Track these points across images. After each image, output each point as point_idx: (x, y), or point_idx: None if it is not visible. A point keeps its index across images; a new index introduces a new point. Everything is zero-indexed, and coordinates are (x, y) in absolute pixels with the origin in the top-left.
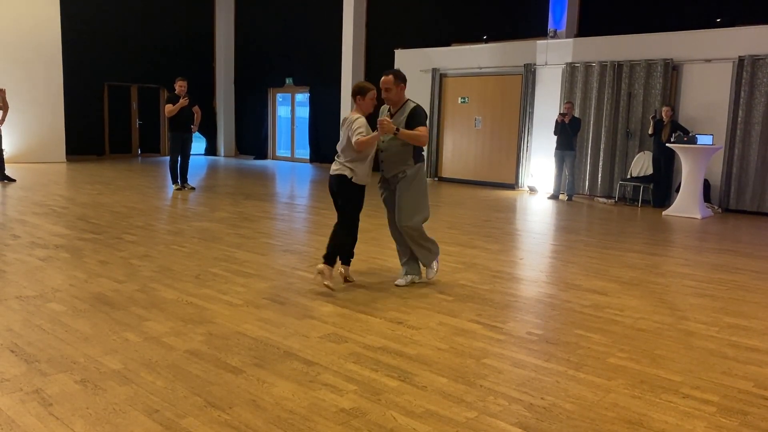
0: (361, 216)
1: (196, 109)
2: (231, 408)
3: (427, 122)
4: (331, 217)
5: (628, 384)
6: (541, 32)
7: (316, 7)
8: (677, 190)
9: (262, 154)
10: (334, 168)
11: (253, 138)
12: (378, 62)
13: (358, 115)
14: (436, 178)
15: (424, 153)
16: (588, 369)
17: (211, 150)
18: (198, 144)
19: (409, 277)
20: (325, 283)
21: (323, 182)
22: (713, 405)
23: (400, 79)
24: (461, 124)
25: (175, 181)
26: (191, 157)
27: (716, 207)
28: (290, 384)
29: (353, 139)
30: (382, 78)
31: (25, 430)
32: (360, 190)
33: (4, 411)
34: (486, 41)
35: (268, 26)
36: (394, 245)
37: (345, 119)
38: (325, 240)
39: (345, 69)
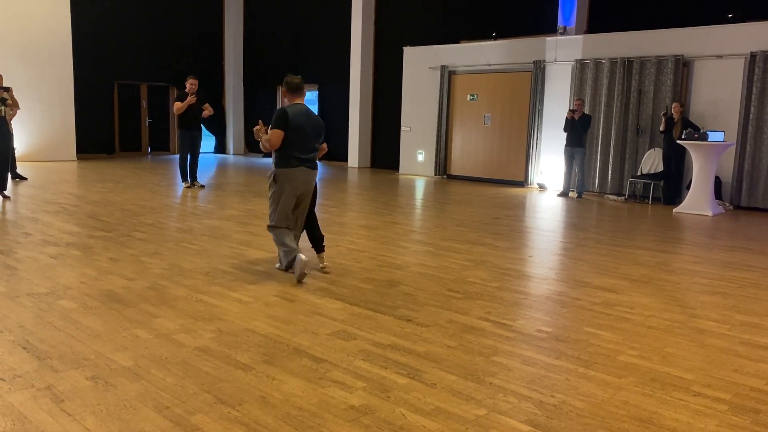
0: (371, 214)
1: (206, 105)
2: (241, 405)
3: (284, 124)
4: (339, 215)
5: (638, 382)
6: (550, 29)
7: (324, 4)
8: (688, 187)
9: (271, 152)
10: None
11: None
12: (387, 60)
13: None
14: (445, 176)
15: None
16: (598, 367)
17: (220, 148)
18: (207, 142)
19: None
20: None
21: (332, 180)
22: (725, 403)
23: (283, 86)
24: (470, 122)
25: (184, 179)
26: (201, 155)
27: (727, 204)
28: (300, 381)
29: None
30: None
31: (37, 426)
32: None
33: (16, 407)
34: (495, 38)
35: (277, 24)
36: (402, 243)
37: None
38: (335, 238)
39: (354, 67)
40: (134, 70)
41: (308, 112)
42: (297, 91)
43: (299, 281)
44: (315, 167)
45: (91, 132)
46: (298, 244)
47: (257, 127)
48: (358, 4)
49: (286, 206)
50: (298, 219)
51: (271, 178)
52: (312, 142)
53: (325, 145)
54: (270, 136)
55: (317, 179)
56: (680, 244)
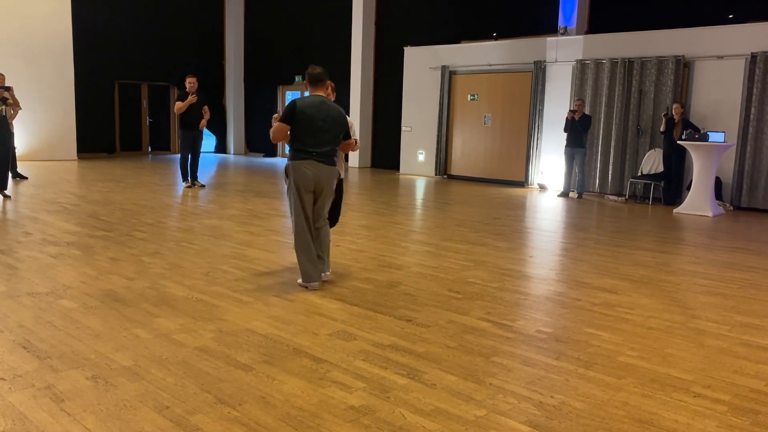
0: (371, 214)
1: (205, 109)
2: (241, 405)
3: (288, 118)
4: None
5: (638, 383)
6: (551, 29)
7: (325, 4)
8: (688, 188)
9: (271, 152)
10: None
11: (263, 135)
12: (387, 60)
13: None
14: (445, 176)
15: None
16: (598, 367)
17: (221, 147)
18: (208, 141)
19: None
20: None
21: None
22: (724, 404)
23: (305, 76)
24: (471, 122)
25: (185, 179)
26: (201, 155)
27: (728, 205)
28: (299, 381)
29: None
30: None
31: (37, 425)
32: None
33: (16, 407)
34: (496, 38)
35: (278, 24)
36: (402, 243)
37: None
38: (335, 238)
39: (354, 66)
40: (135, 70)
41: (325, 103)
42: (316, 82)
43: (300, 285)
44: (330, 163)
45: (92, 131)
46: (322, 257)
47: (275, 115)
48: (359, 4)
49: (301, 203)
50: (320, 221)
51: (288, 170)
52: (325, 135)
53: (353, 141)
54: (273, 128)
55: (340, 179)
56: (680, 245)
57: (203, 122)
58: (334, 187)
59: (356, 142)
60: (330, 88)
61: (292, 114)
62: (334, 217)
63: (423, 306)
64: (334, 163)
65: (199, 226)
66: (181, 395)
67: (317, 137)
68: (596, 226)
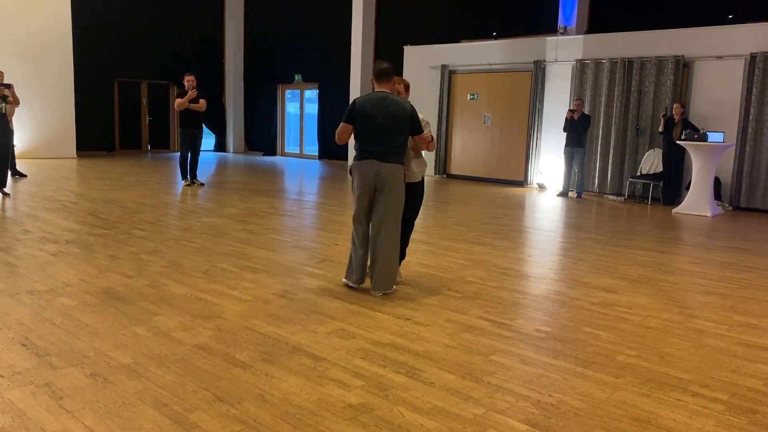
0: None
1: (201, 103)
2: (239, 402)
3: (349, 117)
4: (339, 213)
5: (636, 382)
6: (551, 29)
7: (325, 3)
8: (687, 188)
9: (271, 151)
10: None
11: (263, 134)
12: (387, 59)
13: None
14: (445, 175)
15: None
16: (596, 366)
17: (220, 146)
18: (207, 140)
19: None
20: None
21: (332, 178)
22: (722, 403)
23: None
24: (470, 121)
25: (184, 177)
26: (201, 153)
27: (727, 205)
28: (298, 379)
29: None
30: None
31: (36, 422)
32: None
33: (15, 404)
34: (495, 38)
35: (278, 22)
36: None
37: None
38: (334, 236)
39: (354, 65)
40: (134, 68)
41: (386, 99)
42: (381, 77)
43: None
44: (393, 161)
45: (92, 129)
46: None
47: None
48: (359, 3)
49: (358, 203)
50: (382, 226)
51: (353, 168)
52: (386, 132)
53: (426, 135)
54: (337, 129)
55: (415, 182)
56: (679, 245)
57: (202, 102)
58: (401, 187)
59: (432, 139)
60: (402, 85)
61: (352, 113)
62: (409, 219)
63: (422, 305)
64: (399, 161)
65: (198, 225)
66: (180, 393)
67: (378, 135)
68: (595, 226)
